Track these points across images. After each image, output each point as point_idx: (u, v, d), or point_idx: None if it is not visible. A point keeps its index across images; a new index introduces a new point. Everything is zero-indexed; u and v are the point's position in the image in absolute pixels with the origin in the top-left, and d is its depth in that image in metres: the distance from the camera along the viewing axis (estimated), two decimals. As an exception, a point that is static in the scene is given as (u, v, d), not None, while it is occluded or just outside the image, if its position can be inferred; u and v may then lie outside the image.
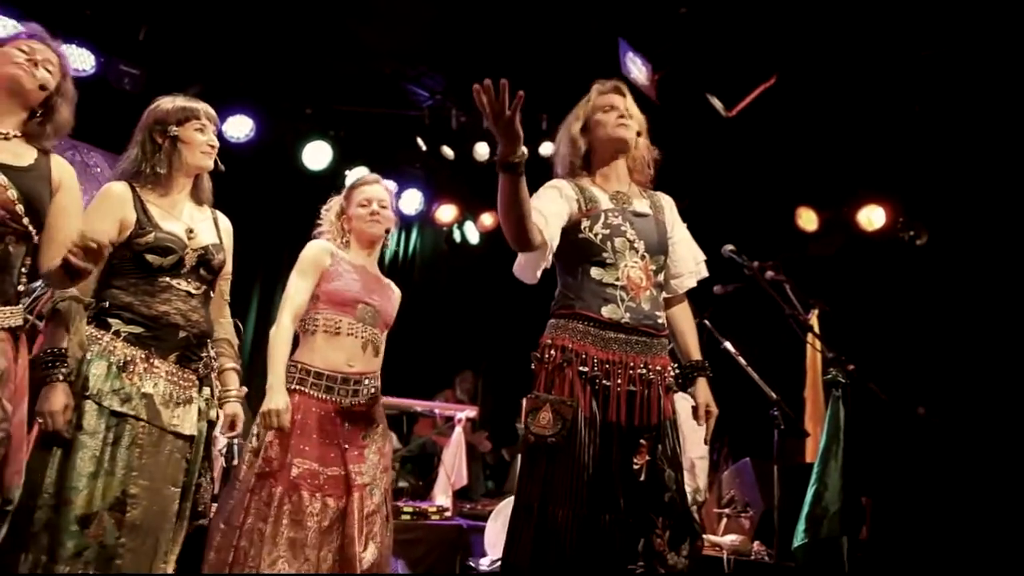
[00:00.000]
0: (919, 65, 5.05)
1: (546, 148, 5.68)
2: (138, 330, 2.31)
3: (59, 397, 2.15)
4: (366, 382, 2.86)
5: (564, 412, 2.31)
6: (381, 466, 2.86)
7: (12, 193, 2.12)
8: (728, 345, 3.75)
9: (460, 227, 7.63)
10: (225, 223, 2.63)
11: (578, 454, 2.30)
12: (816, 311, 4.53)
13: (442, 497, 5.29)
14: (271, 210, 6.30)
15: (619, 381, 2.39)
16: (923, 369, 5.39)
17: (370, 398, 2.87)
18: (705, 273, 2.72)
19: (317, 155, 6.34)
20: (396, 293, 3.10)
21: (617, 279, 2.44)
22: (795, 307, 3.63)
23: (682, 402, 2.62)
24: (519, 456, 3.20)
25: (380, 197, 3.02)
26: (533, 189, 2.38)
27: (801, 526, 3.48)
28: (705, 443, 2.73)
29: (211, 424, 2.50)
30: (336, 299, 2.87)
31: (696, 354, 2.66)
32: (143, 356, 2.31)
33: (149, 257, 2.33)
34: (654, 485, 2.38)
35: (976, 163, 5.48)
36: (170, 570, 2.33)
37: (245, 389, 2.70)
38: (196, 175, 2.54)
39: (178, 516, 2.34)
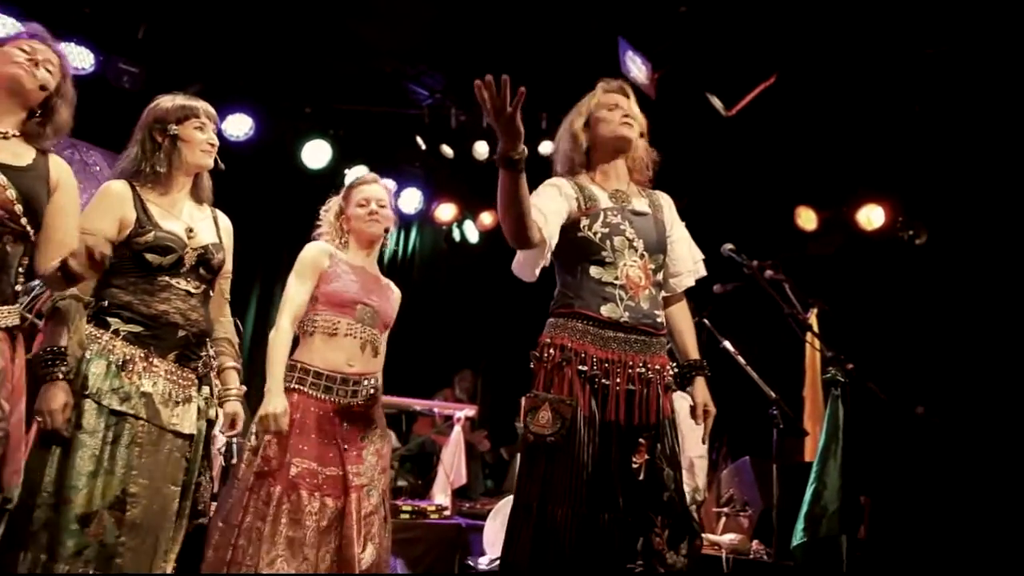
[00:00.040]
0: (919, 64, 5.05)
1: (545, 147, 5.68)
2: (137, 329, 2.31)
3: (58, 396, 2.15)
4: (365, 383, 2.86)
5: (563, 411, 2.31)
6: (379, 467, 2.86)
7: (11, 193, 2.12)
8: (727, 344, 3.75)
9: (459, 226, 7.63)
10: (225, 222, 2.63)
11: (577, 453, 2.30)
12: (815, 310, 4.53)
13: (441, 496, 5.29)
14: (270, 209, 6.30)
15: (618, 380, 2.39)
16: (922, 368, 5.39)
17: (369, 399, 2.87)
18: (703, 272, 2.72)
19: (316, 154, 6.34)
20: (396, 293, 3.10)
21: (616, 278, 2.44)
22: (794, 306, 3.63)
23: (681, 401, 2.63)
24: (518, 455, 3.19)
25: (379, 196, 3.02)
26: (532, 188, 2.38)
27: (800, 525, 3.48)
28: (703, 442, 2.74)
29: (210, 423, 2.50)
30: (335, 300, 2.87)
31: (694, 353, 2.66)
32: (142, 355, 2.31)
33: (148, 256, 2.33)
34: (653, 484, 2.38)
35: (975, 163, 5.48)
36: (170, 569, 2.33)
37: (244, 388, 2.70)
38: (196, 174, 2.54)
39: (178, 515, 2.34)
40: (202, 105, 2.52)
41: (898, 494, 4.83)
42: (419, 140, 6.48)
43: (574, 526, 2.26)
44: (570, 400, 2.32)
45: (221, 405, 2.59)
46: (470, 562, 4.78)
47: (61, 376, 2.16)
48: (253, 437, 2.77)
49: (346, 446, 2.79)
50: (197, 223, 2.48)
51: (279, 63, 5.80)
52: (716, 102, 5.20)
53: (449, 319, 7.54)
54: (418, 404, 5.98)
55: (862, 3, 4.71)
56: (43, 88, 2.24)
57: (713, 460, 5.02)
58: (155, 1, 5.19)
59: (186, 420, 2.37)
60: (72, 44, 4.92)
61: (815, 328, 4.36)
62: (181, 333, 2.37)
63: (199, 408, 2.42)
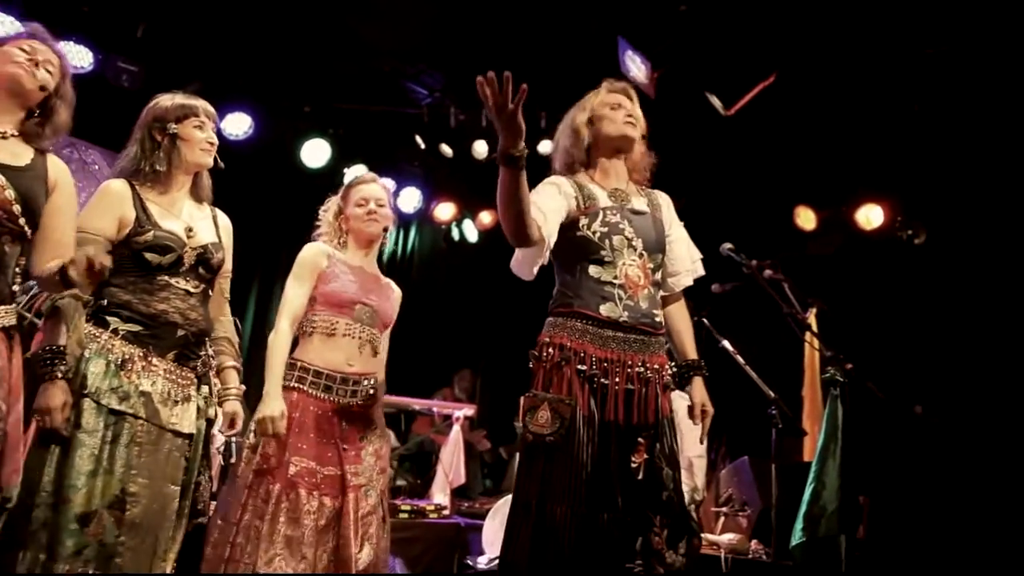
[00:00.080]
0: (918, 64, 5.06)
1: (545, 146, 5.66)
2: (136, 328, 2.31)
3: (57, 394, 2.14)
4: (365, 382, 2.86)
5: (562, 411, 2.31)
6: (378, 467, 2.86)
7: (10, 193, 2.12)
8: (726, 344, 3.75)
9: (459, 225, 7.63)
10: (225, 221, 2.62)
11: (576, 453, 2.30)
12: (814, 310, 4.53)
13: (440, 495, 5.29)
14: (269, 208, 6.30)
15: (617, 379, 2.39)
16: (921, 368, 5.40)
17: (368, 398, 2.87)
18: (701, 272, 2.72)
19: (316, 153, 6.34)
20: (396, 292, 3.10)
21: (615, 277, 2.44)
22: (793, 306, 3.63)
23: (679, 400, 2.63)
24: (517, 454, 3.19)
25: (377, 196, 3.01)
26: (531, 187, 2.37)
27: (799, 525, 3.49)
28: (701, 442, 2.74)
29: (209, 422, 2.50)
30: (333, 300, 2.87)
31: (692, 353, 2.65)
32: (141, 354, 2.30)
33: (148, 255, 2.33)
34: (652, 484, 2.38)
35: (975, 163, 5.49)
36: (169, 568, 2.33)
37: (243, 387, 2.70)
38: (195, 173, 2.53)
39: (177, 514, 2.34)
40: (201, 104, 2.52)
41: (897, 494, 4.83)
42: (418, 139, 6.48)
43: (573, 525, 2.26)
44: (569, 400, 2.32)
45: (220, 404, 2.59)
46: (469, 561, 4.78)
47: (60, 375, 2.15)
48: (252, 435, 2.77)
49: (345, 446, 2.79)
50: (197, 222, 2.48)
51: (278, 62, 5.80)
52: (715, 101, 5.20)
53: (448, 318, 7.54)
54: (417, 403, 5.98)
55: (862, 3, 4.71)
56: (43, 89, 2.24)
57: (712, 460, 5.03)
58: (154, 0, 5.19)
59: (185, 419, 2.37)
60: (71, 43, 4.91)
61: (814, 328, 4.36)
62: (180, 332, 2.36)
63: (198, 407, 2.42)
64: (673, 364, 2.58)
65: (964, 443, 4.98)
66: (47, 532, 2.12)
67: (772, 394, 3.55)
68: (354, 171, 5.95)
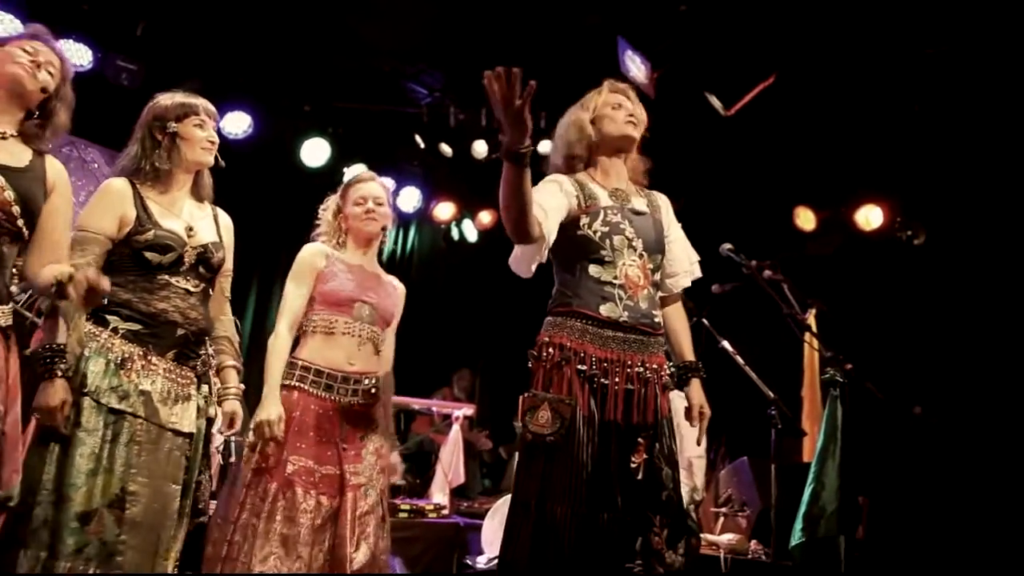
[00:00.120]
0: (918, 64, 5.06)
1: (545, 146, 5.67)
2: (136, 327, 2.31)
3: (57, 392, 2.14)
4: (366, 381, 2.86)
5: (563, 411, 2.30)
6: (378, 466, 2.85)
7: (9, 194, 2.12)
8: (726, 344, 3.75)
9: (458, 225, 7.64)
10: (225, 220, 2.62)
11: (577, 453, 2.30)
12: (814, 310, 4.54)
13: (439, 495, 5.29)
14: (269, 207, 6.29)
15: (617, 379, 2.38)
16: (920, 369, 5.40)
17: (370, 397, 2.86)
18: (699, 273, 2.72)
19: (315, 152, 6.34)
20: (399, 289, 3.09)
21: (615, 277, 2.44)
22: (793, 306, 3.63)
23: (679, 400, 2.63)
24: (516, 454, 3.19)
25: (376, 195, 3.01)
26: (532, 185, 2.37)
27: (798, 525, 3.49)
28: (699, 444, 2.73)
29: (209, 421, 2.49)
30: (331, 299, 2.86)
31: (690, 354, 2.65)
32: (141, 353, 2.30)
33: (148, 255, 2.33)
34: (652, 483, 2.38)
35: (974, 163, 5.49)
36: (171, 567, 2.33)
37: (243, 386, 2.70)
38: (196, 172, 2.53)
39: (179, 513, 2.34)
40: (202, 103, 2.52)
41: (896, 494, 4.83)
42: (418, 139, 6.48)
43: (573, 525, 2.26)
44: (569, 399, 2.32)
45: (219, 404, 2.60)
46: (468, 561, 4.78)
47: (60, 373, 2.15)
48: (251, 434, 2.77)
49: (345, 445, 2.78)
50: (197, 221, 2.48)
51: (278, 61, 5.79)
52: (715, 102, 5.20)
53: (447, 318, 7.54)
54: (416, 403, 5.98)
55: (862, 3, 4.71)
56: (44, 90, 2.24)
57: (711, 460, 5.03)
58: (154, -2, 5.20)
59: (185, 418, 2.37)
60: (71, 41, 4.91)
61: (814, 328, 4.36)
62: (180, 331, 2.36)
63: (198, 406, 2.42)
64: (671, 365, 2.58)
65: (963, 443, 4.98)
66: (48, 530, 2.12)
67: (772, 394, 3.54)
68: (354, 170, 5.95)
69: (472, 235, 7.63)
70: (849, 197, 6.32)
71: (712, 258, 2.99)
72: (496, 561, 2.50)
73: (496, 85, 2.00)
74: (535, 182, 2.50)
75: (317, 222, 3.09)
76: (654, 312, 2.50)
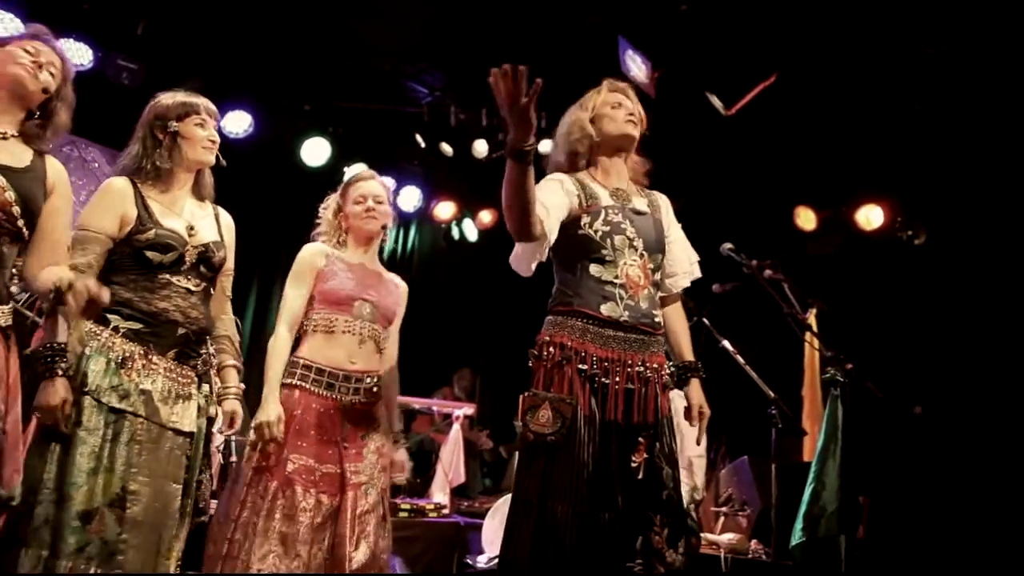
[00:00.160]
0: (918, 64, 5.06)
1: (545, 145, 5.67)
2: (137, 326, 2.31)
3: (58, 391, 2.14)
4: (368, 380, 2.86)
5: (563, 410, 2.30)
6: (379, 466, 2.85)
7: (10, 195, 2.12)
8: (726, 344, 3.75)
9: (458, 224, 7.63)
10: (226, 219, 2.62)
11: (577, 452, 2.30)
12: (814, 310, 4.54)
13: (439, 494, 5.29)
14: (269, 207, 6.29)
15: (617, 379, 2.38)
16: (920, 368, 5.40)
17: (371, 396, 2.87)
18: (699, 274, 2.72)
19: (316, 151, 6.34)
20: (400, 287, 3.09)
21: (616, 277, 2.44)
22: (793, 306, 3.63)
23: (679, 400, 2.63)
24: (516, 453, 3.19)
25: (376, 193, 3.01)
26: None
27: (799, 525, 3.49)
28: (698, 444, 2.73)
29: (210, 421, 2.49)
30: (331, 298, 2.87)
31: (689, 354, 2.65)
32: (141, 352, 2.30)
33: (149, 254, 2.33)
34: (652, 483, 2.39)
35: (974, 163, 5.49)
36: (173, 566, 2.33)
37: (243, 386, 2.70)
38: (197, 171, 2.53)
39: (180, 513, 2.34)
40: (203, 102, 2.52)
41: (897, 494, 4.83)
42: (418, 138, 6.47)
43: (574, 524, 2.26)
44: (570, 399, 2.32)
45: (220, 403, 2.59)
46: (468, 560, 4.79)
47: (60, 372, 2.15)
48: (252, 433, 2.77)
49: (346, 444, 2.79)
50: (198, 220, 2.48)
51: (278, 60, 5.79)
52: (716, 101, 5.20)
53: (448, 317, 7.54)
54: (417, 402, 5.97)
55: (862, 3, 4.71)
56: (45, 91, 2.24)
57: (712, 459, 5.03)
58: (154, -2, 5.20)
59: (186, 418, 2.37)
60: (71, 40, 4.92)
61: (814, 328, 4.36)
62: (181, 331, 2.36)
63: (199, 406, 2.42)
64: (671, 365, 2.58)
65: (963, 443, 4.98)
66: (49, 529, 2.12)
67: (772, 394, 3.55)
68: (354, 169, 5.95)
69: (472, 234, 7.63)
70: (849, 197, 6.32)
71: (712, 258, 2.99)
72: (496, 560, 2.50)
73: (502, 82, 2.00)
74: (535, 181, 2.51)
75: (317, 221, 3.09)
76: (654, 312, 2.50)
